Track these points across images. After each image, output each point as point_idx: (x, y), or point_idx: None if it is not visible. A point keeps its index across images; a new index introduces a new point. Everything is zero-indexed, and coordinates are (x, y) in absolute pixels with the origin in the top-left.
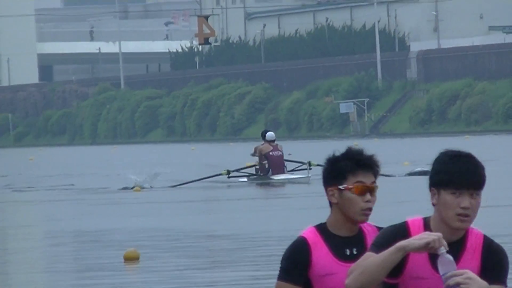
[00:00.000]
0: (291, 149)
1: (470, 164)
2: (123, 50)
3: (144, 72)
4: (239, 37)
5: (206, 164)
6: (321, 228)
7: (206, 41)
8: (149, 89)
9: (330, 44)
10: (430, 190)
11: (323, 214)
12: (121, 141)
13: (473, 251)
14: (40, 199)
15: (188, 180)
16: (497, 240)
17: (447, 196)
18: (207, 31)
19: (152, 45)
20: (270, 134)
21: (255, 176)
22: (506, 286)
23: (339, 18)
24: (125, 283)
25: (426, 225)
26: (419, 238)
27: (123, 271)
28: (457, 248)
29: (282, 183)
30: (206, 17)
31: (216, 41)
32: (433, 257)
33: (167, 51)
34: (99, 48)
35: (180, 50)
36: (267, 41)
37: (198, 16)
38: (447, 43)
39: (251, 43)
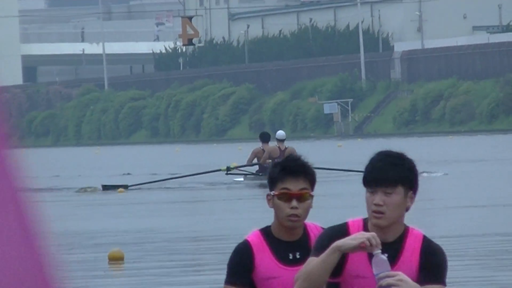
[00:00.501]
0: None
1: (384, 162)
2: (107, 51)
3: (128, 73)
4: (223, 38)
5: (192, 165)
6: (266, 232)
7: (190, 42)
8: (133, 90)
9: (314, 44)
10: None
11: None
12: (105, 142)
13: (411, 251)
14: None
15: (185, 174)
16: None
17: (366, 194)
18: (190, 32)
19: (136, 46)
20: (280, 133)
21: (253, 176)
22: (445, 285)
23: (322, 19)
24: (110, 283)
25: (365, 225)
26: (353, 238)
27: (107, 271)
28: (395, 248)
29: None
30: (190, 18)
31: (200, 42)
32: (372, 257)
33: (151, 52)
34: (83, 49)
35: (164, 51)
36: (251, 41)
37: (182, 17)
38: (431, 43)
39: (235, 43)
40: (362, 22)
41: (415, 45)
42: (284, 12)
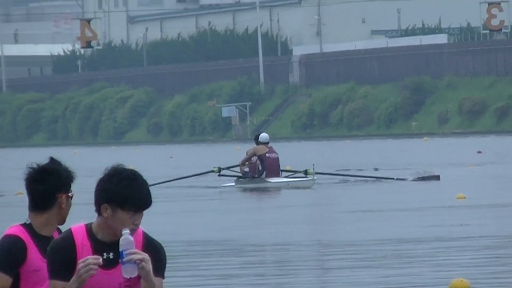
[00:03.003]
0: (174, 154)
1: (145, 188)
2: (5, 53)
3: (26, 76)
4: (122, 41)
5: (90, 168)
6: (28, 228)
7: (88, 45)
8: (31, 92)
9: (213, 48)
10: (101, 204)
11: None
12: (2, 144)
13: (135, 248)
14: None
15: (177, 177)
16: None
17: (124, 215)
18: (89, 34)
19: (35, 49)
20: (264, 136)
21: (247, 178)
22: (163, 277)
23: (221, 22)
24: None
25: (89, 230)
26: (82, 271)
27: None
28: (117, 247)
29: (279, 187)
30: (88, 21)
31: (98, 44)
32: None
33: (50, 54)
34: None
35: (62, 53)
36: (150, 44)
37: (81, 20)
38: (329, 47)
39: (133, 46)
40: (261, 25)
41: (314, 49)
42: (183, 15)
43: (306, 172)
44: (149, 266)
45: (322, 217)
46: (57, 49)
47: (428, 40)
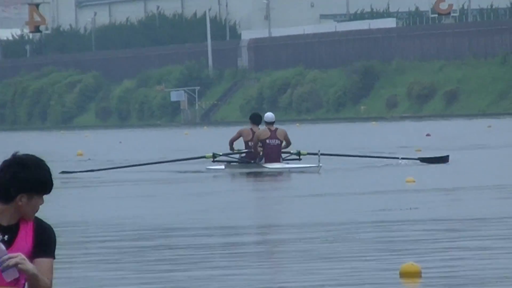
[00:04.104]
0: (122, 138)
1: (50, 174)
2: None
3: None
4: (70, 25)
5: (43, 152)
6: None
7: (37, 29)
8: None
9: (161, 32)
10: (18, 194)
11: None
12: None
13: (26, 231)
14: None
15: (168, 159)
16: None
17: (39, 200)
18: (38, 19)
19: None
20: (269, 115)
21: (238, 164)
22: (54, 258)
23: (170, 7)
24: None
25: None
26: None
27: None
28: (12, 230)
29: (280, 172)
30: (37, 5)
31: (47, 29)
32: None
33: None
34: None
35: (11, 38)
36: (98, 29)
37: (29, 4)
38: (278, 32)
39: (82, 31)
40: (209, 10)
41: (263, 33)
42: None
43: (299, 154)
44: (26, 265)
45: (272, 201)
46: (6, 33)
47: (376, 24)
